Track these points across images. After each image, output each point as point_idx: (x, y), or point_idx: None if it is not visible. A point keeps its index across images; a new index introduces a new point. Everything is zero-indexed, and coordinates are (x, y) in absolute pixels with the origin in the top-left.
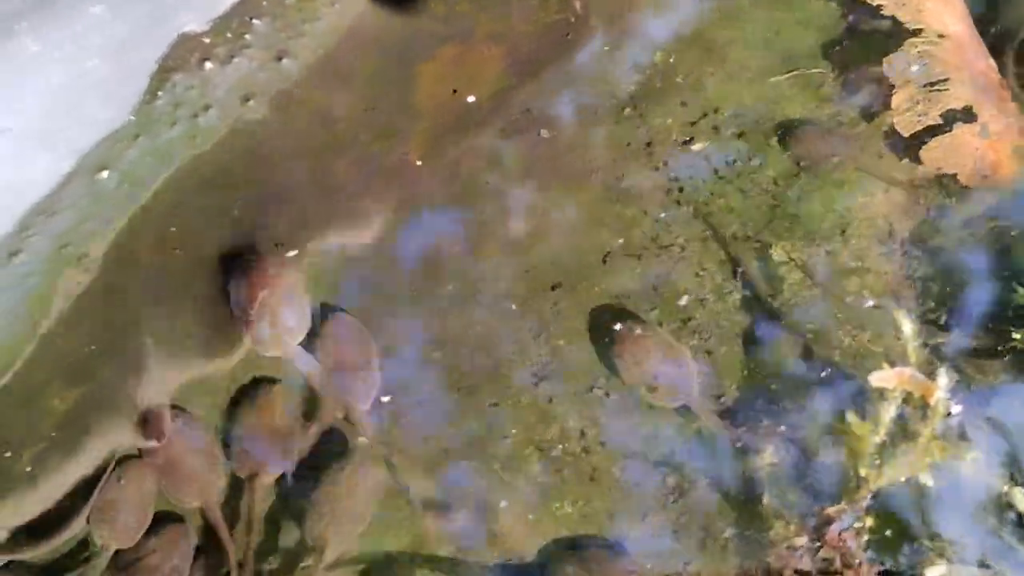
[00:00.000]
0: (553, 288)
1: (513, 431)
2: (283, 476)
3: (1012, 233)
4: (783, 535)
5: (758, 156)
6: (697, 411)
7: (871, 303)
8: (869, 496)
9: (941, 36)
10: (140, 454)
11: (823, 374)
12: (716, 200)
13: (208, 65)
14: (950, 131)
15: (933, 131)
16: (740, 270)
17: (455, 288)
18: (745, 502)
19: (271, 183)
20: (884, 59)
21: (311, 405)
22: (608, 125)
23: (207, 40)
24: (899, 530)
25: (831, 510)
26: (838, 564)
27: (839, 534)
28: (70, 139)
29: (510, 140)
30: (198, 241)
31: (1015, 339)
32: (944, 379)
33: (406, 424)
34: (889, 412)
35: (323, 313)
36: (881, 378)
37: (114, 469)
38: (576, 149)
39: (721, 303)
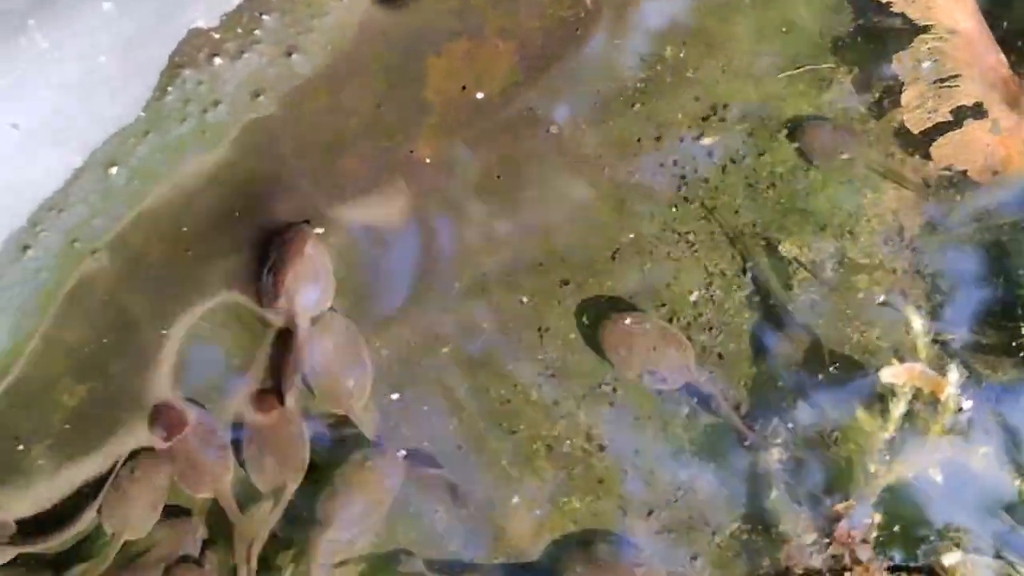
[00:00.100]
0: (562, 284)
1: (521, 427)
2: None
3: (1023, 229)
4: (792, 532)
5: (767, 152)
6: (698, 386)
7: (881, 299)
8: (878, 492)
9: (951, 32)
10: (152, 447)
11: (832, 370)
12: (725, 196)
13: (217, 61)
14: (960, 127)
15: (943, 127)
16: (749, 266)
17: (463, 284)
18: (753, 499)
19: (281, 178)
20: (894, 56)
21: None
22: (618, 120)
23: (216, 36)
24: (909, 526)
25: (840, 507)
26: (847, 561)
27: (848, 531)
28: (79, 135)
29: (519, 135)
30: (207, 236)
31: None
32: (954, 375)
33: (414, 420)
34: (899, 408)
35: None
36: (891, 374)
37: (126, 462)
38: (585, 144)
39: (730, 299)
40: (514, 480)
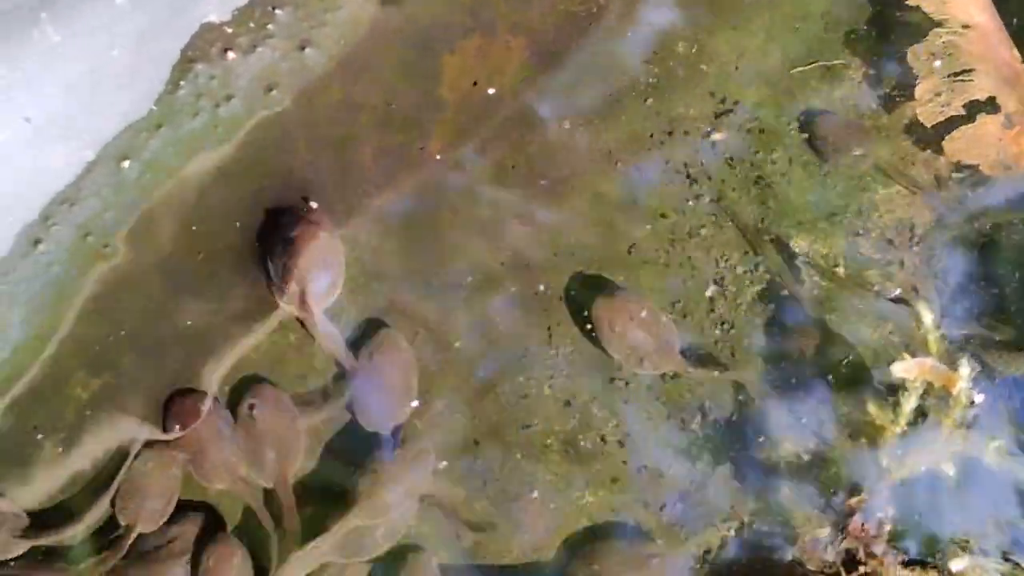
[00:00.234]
0: (576, 278)
1: (535, 421)
2: None
3: None
4: (805, 526)
5: (779, 147)
6: (681, 372)
7: (893, 295)
8: (891, 486)
9: (965, 27)
10: (166, 440)
11: (845, 365)
12: (737, 191)
13: (230, 55)
14: (973, 122)
15: (956, 122)
16: (761, 262)
17: (475, 278)
18: (766, 493)
19: (293, 173)
20: (908, 50)
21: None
22: (630, 115)
23: (229, 30)
24: (923, 520)
25: (853, 501)
26: (861, 555)
27: (862, 525)
28: (92, 129)
29: (532, 131)
30: (220, 230)
31: None
32: (966, 369)
33: (426, 415)
34: (910, 402)
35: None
36: (902, 368)
37: (139, 454)
38: (599, 139)
39: (743, 295)
40: (528, 475)
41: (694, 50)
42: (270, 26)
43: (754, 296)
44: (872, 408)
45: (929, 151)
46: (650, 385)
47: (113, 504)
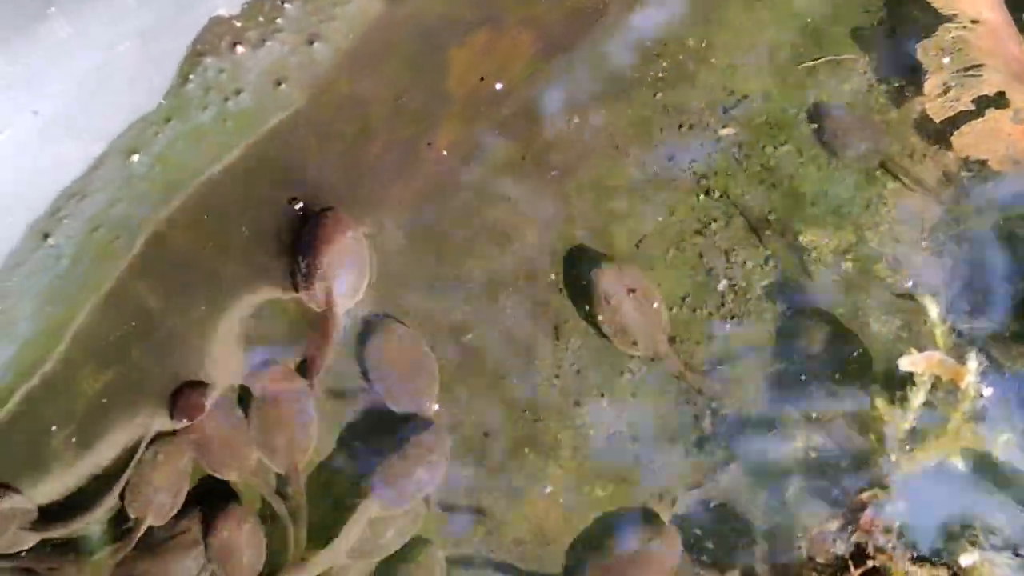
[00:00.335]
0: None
1: (544, 415)
2: None
3: None
4: (815, 520)
5: (788, 141)
6: (666, 359)
7: (901, 289)
8: (901, 481)
9: (975, 22)
10: (175, 432)
11: (854, 359)
12: (746, 185)
13: (239, 49)
14: (982, 117)
15: (965, 117)
16: (770, 256)
17: (484, 273)
18: (776, 487)
19: (303, 167)
20: (917, 45)
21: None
22: (639, 109)
23: (238, 24)
24: (931, 515)
25: (863, 495)
26: (871, 549)
27: (871, 520)
28: (101, 123)
29: (540, 125)
30: (229, 223)
31: None
32: (974, 363)
33: (437, 409)
34: (919, 397)
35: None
36: (910, 362)
37: (148, 446)
38: (607, 133)
39: (752, 289)
40: (538, 469)
41: (704, 44)
42: (279, 20)
43: (763, 290)
44: (880, 403)
45: (938, 146)
46: (660, 379)
47: (122, 497)
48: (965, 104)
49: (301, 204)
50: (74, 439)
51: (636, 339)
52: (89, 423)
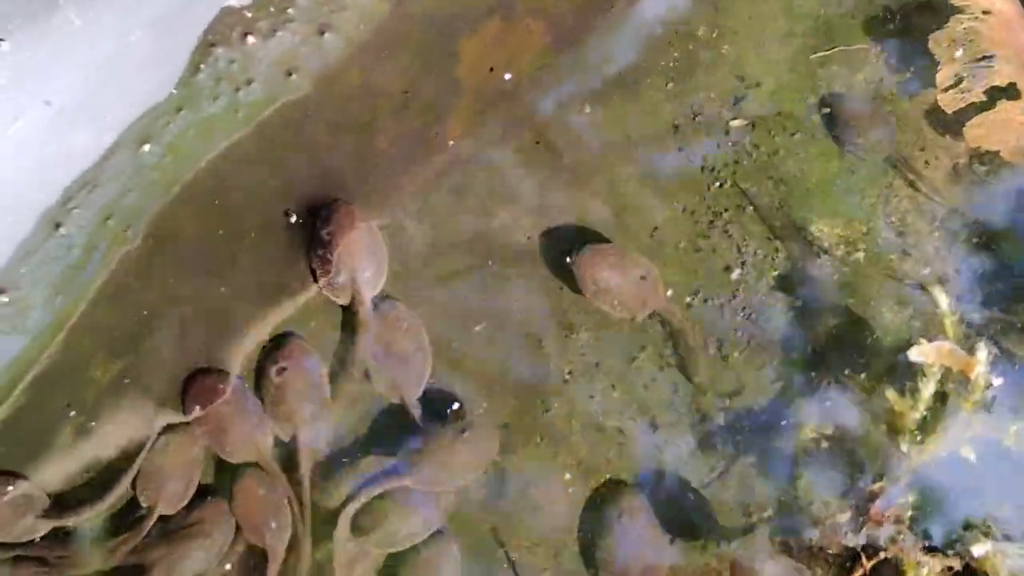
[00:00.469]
0: None
1: (555, 405)
2: None
3: None
4: (826, 512)
5: (800, 131)
6: (666, 315)
7: (911, 280)
8: (912, 471)
9: (986, 13)
10: (187, 420)
11: (865, 350)
12: (758, 175)
13: (250, 39)
14: (994, 108)
15: (977, 108)
16: (781, 247)
17: (496, 261)
18: (788, 479)
19: (313, 157)
20: (929, 36)
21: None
22: (651, 98)
23: (249, 14)
24: (943, 505)
25: (874, 487)
26: (883, 541)
27: (883, 511)
28: (112, 113)
29: (552, 114)
30: (240, 213)
31: None
32: (984, 352)
33: (446, 400)
34: (928, 387)
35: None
36: (920, 352)
37: (160, 435)
38: (619, 123)
39: (763, 280)
40: (548, 458)
41: (715, 34)
42: (290, 10)
43: (775, 280)
44: (890, 394)
45: (949, 137)
46: (672, 370)
47: (134, 486)
48: (977, 95)
49: (295, 217)
50: (85, 428)
51: (634, 307)
52: (100, 412)
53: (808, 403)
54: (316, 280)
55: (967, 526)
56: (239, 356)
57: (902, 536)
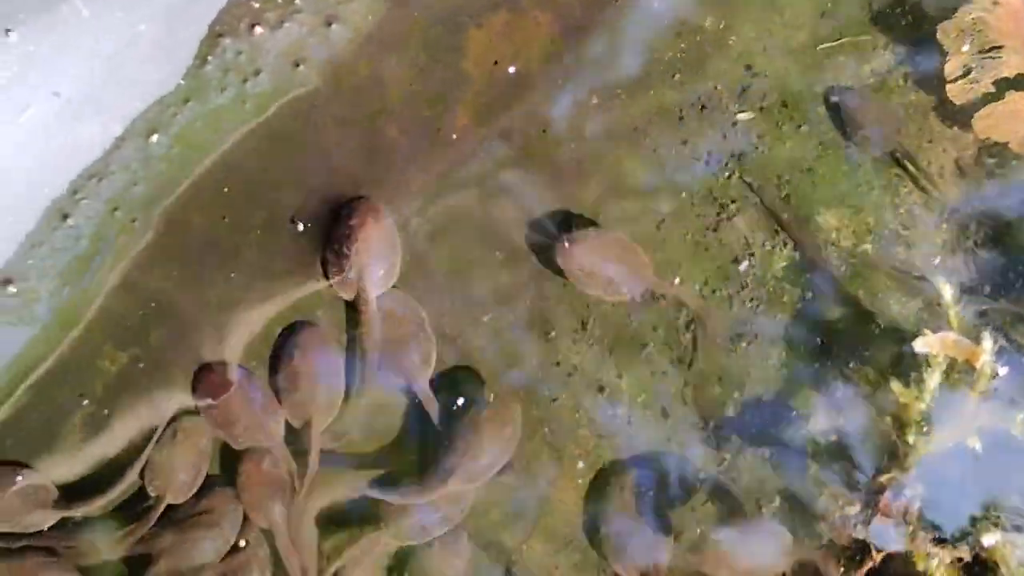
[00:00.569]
0: None
1: (562, 395)
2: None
3: None
4: (835, 504)
5: (807, 123)
6: (658, 291)
7: (919, 271)
8: (920, 463)
9: (995, 3)
10: (196, 410)
11: (873, 341)
12: (764, 167)
13: (258, 30)
14: (1003, 99)
15: (986, 99)
16: (788, 238)
17: (503, 252)
18: (796, 470)
19: (320, 148)
20: (937, 26)
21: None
22: (658, 90)
23: (257, 5)
24: (952, 496)
25: (882, 478)
26: (891, 533)
27: (891, 502)
28: (120, 104)
29: (559, 105)
30: (247, 204)
31: None
32: (989, 342)
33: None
34: (934, 378)
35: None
36: (924, 343)
37: (168, 425)
38: (626, 114)
39: (770, 272)
40: (557, 449)
41: (721, 25)
42: (297, 1)
43: (782, 272)
44: (895, 386)
45: (957, 129)
46: (681, 358)
47: (142, 476)
48: (985, 86)
49: (301, 225)
50: (93, 419)
51: (626, 287)
52: (108, 403)
53: (816, 395)
54: (327, 273)
55: (976, 517)
56: (250, 346)
57: (911, 528)
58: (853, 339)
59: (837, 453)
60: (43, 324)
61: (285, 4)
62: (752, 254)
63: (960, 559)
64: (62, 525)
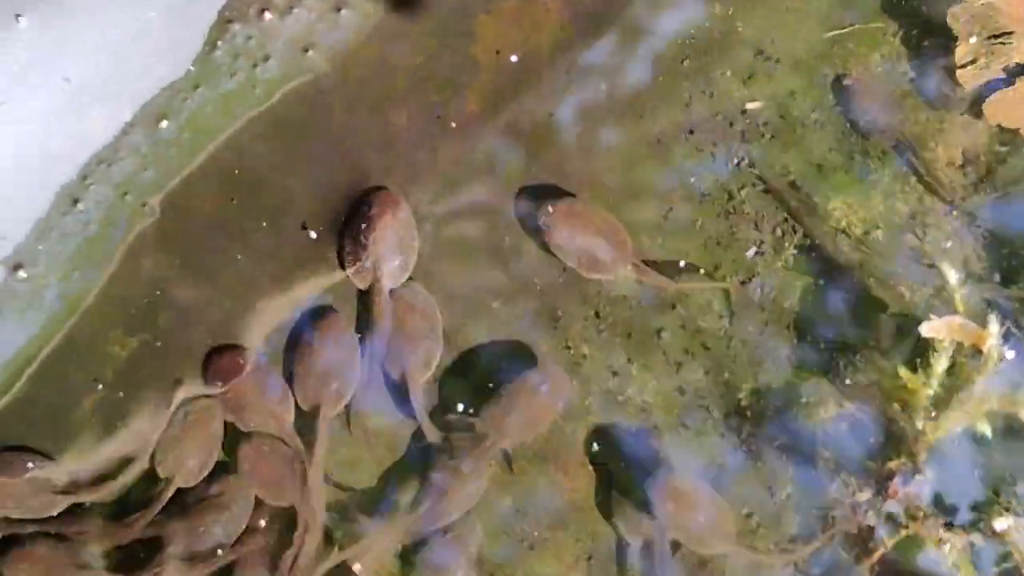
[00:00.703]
0: None
1: (573, 382)
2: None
3: None
4: (846, 490)
5: (816, 110)
6: (639, 274)
7: (929, 258)
8: (929, 448)
9: None
10: (208, 394)
11: (884, 327)
12: (773, 155)
13: (267, 16)
14: (1014, 85)
15: (996, 84)
16: (799, 225)
17: (510, 241)
18: (807, 457)
19: (329, 133)
20: (947, 12)
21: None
22: (667, 76)
23: None
24: (962, 481)
25: (892, 464)
26: (903, 518)
27: (902, 488)
28: (129, 89)
29: (569, 93)
30: (257, 189)
31: None
32: (995, 325)
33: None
34: (941, 363)
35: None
36: (931, 328)
37: (179, 409)
38: (635, 101)
39: (781, 259)
40: (568, 434)
41: (730, 11)
42: None
43: (793, 259)
44: (903, 371)
45: (968, 115)
46: (689, 349)
47: (153, 459)
48: (995, 72)
49: (314, 233)
50: (103, 403)
51: (601, 262)
52: (118, 388)
53: (828, 381)
54: (342, 262)
55: (988, 501)
56: (260, 331)
57: (922, 513)
58: (864, 326)
59: (849, 439)
60: (53, 309)
61: None
62: (763, 241)
63: (972, 544)
64: (72, 510)
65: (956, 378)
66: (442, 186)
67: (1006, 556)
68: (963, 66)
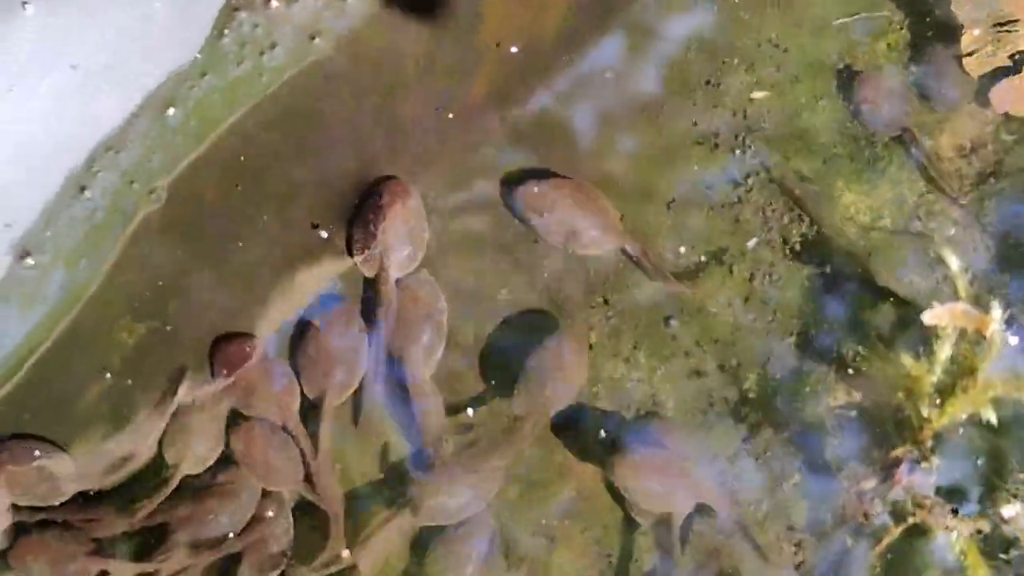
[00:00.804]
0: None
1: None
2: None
3: None
4: (852, 479)
5: (823, 98)
6: (632, 254)
7: (935, 246)
8: (935, 435)
9: None
10: (214, 382)
11: (891, 315)
12: (780, 143)
13: (274, 4)
14: (1020, 73)
15: (1002, 73)
16: (806, 213)
17: (516, 228)
18: (813, 446)
19: (337, 121)
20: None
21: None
22: (673, 65)
23: None
24: (970, 469)
25: (898, 452)
26: (909, 506)
27: (908, 476)
28: (137, 77)
29: (575, 80)
30: (264, 177)
31: None
32: (998, 311)
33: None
34: (944, 350)
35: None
36: (933, 315)
37: (186, 396)
38: (640, 90)
39: (788, 247)
40: (575, 424)
41: (737, 0)
42: None
43: (800, 247)
44: (906, 359)
45: (975, 103)
46: (697, 337)
47: (160, 446)
48: (1002, 60)
49: (325, 233)
50: (110, 391)
51: (588, 241)
52: (125, 375)
53: (834, 370)
54: (351, 250)
55: (995, 488)
56: (266, 319)
57: (928, 501)
58: (870, 314)
59: (856, 428)
60: (60, 297)
61: None
62: (771, 229)
63: (980, 531)
64: (79, 498)
65: (960, 365)
66: (449, 172)
67: (1014, 542)
68: (969, 54)
